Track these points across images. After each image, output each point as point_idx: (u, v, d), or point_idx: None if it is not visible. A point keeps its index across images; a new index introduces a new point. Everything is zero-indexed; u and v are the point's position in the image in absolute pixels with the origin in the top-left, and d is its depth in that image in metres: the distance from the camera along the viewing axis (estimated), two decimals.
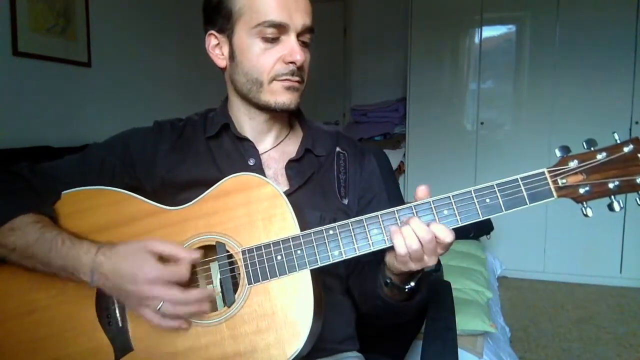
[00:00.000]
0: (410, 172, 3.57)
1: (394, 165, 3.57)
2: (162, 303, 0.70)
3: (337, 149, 0.95)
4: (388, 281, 0.79)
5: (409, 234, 0.69)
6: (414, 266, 0.71)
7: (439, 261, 0.75)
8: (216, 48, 0.89)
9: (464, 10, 3.37)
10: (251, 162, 0.88)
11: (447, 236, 0.69)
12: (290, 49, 0.82)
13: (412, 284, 0.78)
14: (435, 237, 0.69)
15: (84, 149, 0.93)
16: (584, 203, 0.69)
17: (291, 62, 0.82)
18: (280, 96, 0.84)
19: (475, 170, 3.43)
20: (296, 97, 0.86)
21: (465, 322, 1.53)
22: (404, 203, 0.98)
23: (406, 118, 3.57)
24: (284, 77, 0.83)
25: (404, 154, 3.62)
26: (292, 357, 0.71)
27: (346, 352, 0.92)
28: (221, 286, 0.77)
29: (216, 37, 0.88)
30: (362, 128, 3.91)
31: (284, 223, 0.76)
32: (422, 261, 0.71)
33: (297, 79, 0.84)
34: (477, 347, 1.48)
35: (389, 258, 0.75)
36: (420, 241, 0.69)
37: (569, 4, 3.11)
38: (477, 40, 3.37)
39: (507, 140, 3.37)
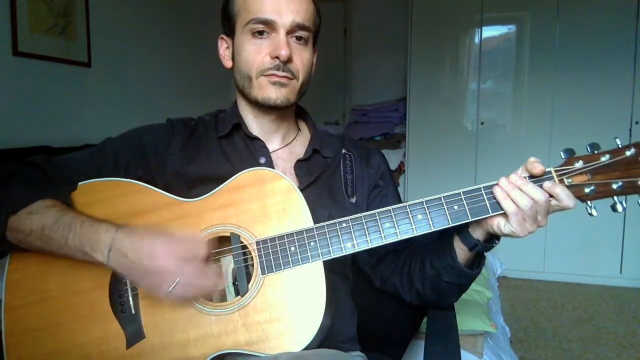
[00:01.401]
0: (410, 172, 3.57)
1: (394, 165, 3.57)
2: (177, 280, 0.70)
3: (343, 150, 0.97)
4: (477, 243, 0.79)
5: (518, 194, 0.71)
6: (529, 226, 0.73)
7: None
8: (226, 50, 0.93)
9: (464, 10, 3.37)
10: (262, 160, 0.90)
11: (566, 199, 0.70)
12: (276, 44, 0.84)
13: (497, 241, 0.81)
14: (557, 199, 0.71)
15: (99, 143, 0.94)
16: (589, 202, 0.72)
17: (276, 57, 0.84)
18: (266, 91, 0.86)
19: (475, 171, 3.43)
20: (284, 93, 0.86)
21: (465, 322, 1.53)
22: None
23: (406, 118, 3.57)
24: (270, 72, 0.85)
25: (404, 154, 3.62)
26: (304, 347, 0.72)
27: (350, 351, 0.92)
28: (234, 276, 0.78)
29: (225, 40, 0.93)
30: (362, 128, 3.91)
31: (297, 216, 0.78)
32: (537, 220, 0.72)
33: (283, 74, 0.85)
34: (477, 347, 1.48)
35: (496, 226, 0.76)
36: (529, 196, 0.70)
37: (569, 4, 3.11)
38: (477, 40, 3.36)
39: (507, 140, 3.37)
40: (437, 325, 1.00)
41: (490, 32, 3.35)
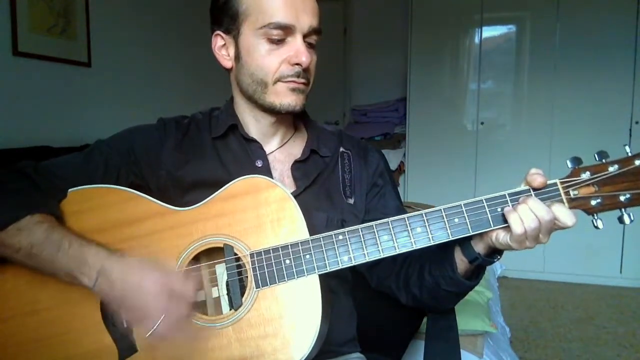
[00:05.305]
0: (410, 172, 3.57)
1: (394, 165, 3.57)
2: (161, 319, 0.67)
3: (341, 148, 0.95)
4: (478, 257, 0.77)
5: (527, 213, 0.67)
6: (528, 244, 0.70)
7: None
8: (222, 49, 0.88)
9: (464, 10, 3.37)
10: (259, 163, 0.87)
11: (567, 219, 0.67)
12: (296, 50, 0.81)
13: (499, 257, 0.78)
14: (555, 219, 0.67)
15: (89, 147, 0.91)
16: (595, 215, 0.69)
17: (297, 64, 0.81)
18: (285, 98, 0.83)
19: (475, 171, 3.43)
20: (301, 99, 0.85)
21: (465, 322, 1.53)
22: (402, 204, 0.99)
23: (406, 118, 3.57)
24: (289, 79, 0.82)
25: (404, 154, 3.62)
26: None
27: (350, 354, 0.92)
28: (227, 289, 0.76)
29: (222, 37, 0.87)
30: (362, 128, 3.90)
31: (292, 226, 0.75)
32: (538, 239, 0.70)
33: (302, 80, 0.83)
34: (477, 347, 1.48)
35: (494, 237, 0.73)
36: (539, 220, 0.67)
37: (569, 4, 3.11)
38: (477, 40, 3.36)
39: (507, 140, 3.37)
40: (437, 325, 1.00)
41: (490, 32, 3.35)
